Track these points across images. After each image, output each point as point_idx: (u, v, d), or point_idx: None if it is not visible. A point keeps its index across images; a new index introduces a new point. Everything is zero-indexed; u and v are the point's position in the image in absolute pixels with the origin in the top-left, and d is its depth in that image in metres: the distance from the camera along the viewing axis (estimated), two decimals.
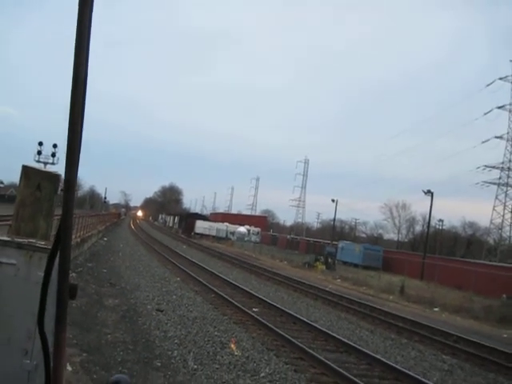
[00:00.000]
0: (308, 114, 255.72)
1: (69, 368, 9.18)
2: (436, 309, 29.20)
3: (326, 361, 12.33)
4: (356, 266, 57.77)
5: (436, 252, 70.77)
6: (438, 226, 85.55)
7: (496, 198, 74.15)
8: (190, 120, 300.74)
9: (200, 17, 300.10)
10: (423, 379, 12.08)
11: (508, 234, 74.35)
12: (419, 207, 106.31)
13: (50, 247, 1.83)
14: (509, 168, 71.34)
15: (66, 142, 1.61)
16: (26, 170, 3.91)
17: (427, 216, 58.18)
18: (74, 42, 1.59)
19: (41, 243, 3.43)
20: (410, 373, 12.49)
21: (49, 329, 1.84)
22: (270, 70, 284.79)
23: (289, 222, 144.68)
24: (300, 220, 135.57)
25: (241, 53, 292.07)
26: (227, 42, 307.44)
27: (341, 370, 11.62)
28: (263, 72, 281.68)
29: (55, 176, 4.05)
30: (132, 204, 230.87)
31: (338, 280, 40.56)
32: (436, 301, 31.02)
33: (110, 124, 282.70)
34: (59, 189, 3.95)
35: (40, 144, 44.90)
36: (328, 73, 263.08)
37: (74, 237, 25.84)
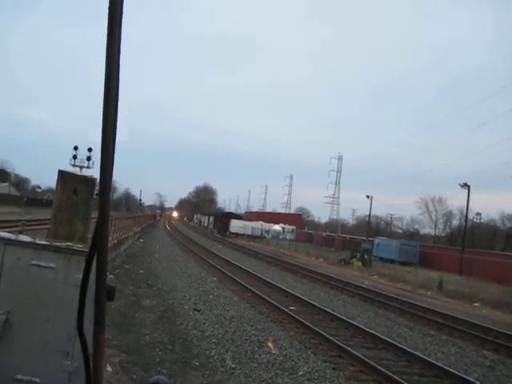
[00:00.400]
0: (339, 110, 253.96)
1: (109, 369, 9.31)
2: (476, 304, 28.70)
3: (365, 358, 12.23)
4: (392, 261, 57.09)
5: (474, 246, 69.60)
6: (475, 220, 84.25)
7: None
8: (221, 121, 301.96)
9: (223, 19, 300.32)
10: (464, 376, 11.90)
11: None
12: (456, 201, 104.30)
13: (87, 250, 1.85)
14: None
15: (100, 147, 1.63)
16: (63, 175, 3.97)
17: (464, 210, 57.29)
18: (105, 50, 1.61)
19: (78, 246, 3.48)
20: (451, 369, 12.31)
21: (88, 331, 1.86)
22: (295, 67, 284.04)
23: (324, 219, 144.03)
24: (335, 217, 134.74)
25: (265, 52, 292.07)
26: (251, 43, 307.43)
27: (380, 368, 11.52)
28: (289, 70, 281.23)
29: (91, 180, 4.11)
30: (167, 205, 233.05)
31: (375, 276, 40.22)
32: (475, 296, 30.49)
33: (144, 127, 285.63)
34: (95, 192, 4.00)
35: (75, 148, 45.48)
36: (356, 66, 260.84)
37: (110, 239, 26.20)
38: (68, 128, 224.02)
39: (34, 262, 3.35)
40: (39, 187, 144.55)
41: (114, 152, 1.65)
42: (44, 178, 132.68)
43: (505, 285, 35.45)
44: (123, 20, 1.68)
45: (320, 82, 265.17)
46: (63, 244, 3.50)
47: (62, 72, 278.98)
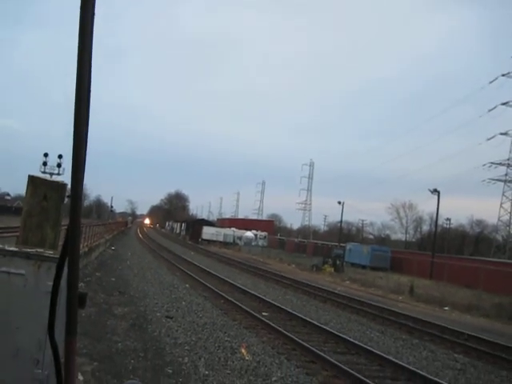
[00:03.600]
0: (311, 116, 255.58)
1: (80, 377, 9.17)
2: (446, 308, 29.08)
3: (338, 363, 12.29)
4: (364, 267, 57.62)
5: (444, 251, 70.52)
6: (445, 225, 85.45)
7: (503, 194, 74.11)
8: (192, 126, 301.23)
9: (202, 24, 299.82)
10: (436, 379, 12.02)
11: None
12: (426, 206, 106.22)
13: (58, 256, 1.82)
14: None
15: (71, 152, 1.61)
16: (33, 180, 3.91)
17: (434, 215, 58.17)
18: (77, 52, 1.59)
19: (49, 252, 3.43)
20: (423, 373, 12.42)
21: (59, 338, 1.83)
22: (270, 73, 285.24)
23: (296, 226, 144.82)
24: (307, 223, 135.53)
25: (241, 57, 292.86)
26: (227, 47, 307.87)
27: (353, 372, 11.58)
28: (263, 76, 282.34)
29: (61, 185, 4.05)
30: (138, 212, 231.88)
31: (347, 282, 40.48)
32: (446, 300, 30.90)
33: (113, 132, 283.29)
34: (65, 198, 3.95)
35: (45, 155, 44.99)
36: (328, 74, 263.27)
37: (81, 246, 25.88)
38: (38, 135, 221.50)
39: (3, 269, 3.29)
40: (8, 195, 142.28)
41: (85, 158, 1.63)
42: (13, 186, 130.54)
43: (474, 289, 35.95)
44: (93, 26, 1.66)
45: (293, 88, 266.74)
46: (33, 250, 3.43)
47: (28, 77, 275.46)
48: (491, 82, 67.30)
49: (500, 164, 70.48)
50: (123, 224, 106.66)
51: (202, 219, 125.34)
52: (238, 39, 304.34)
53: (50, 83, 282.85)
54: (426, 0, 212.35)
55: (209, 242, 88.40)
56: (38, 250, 3.49)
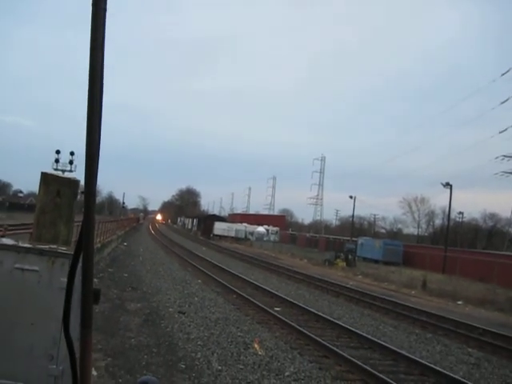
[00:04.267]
0: (322, 112, 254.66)
1: (94, 373, 9.22)
2: (459, 302, 28.92)
3: (351, 358, 12.25)
4: (376, 261, 57.47)
5: (457, 245, 70.12)
6: (458, 219, 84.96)
7: None
8: (204, 123, 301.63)
9: (203, 23, 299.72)
10: (450, 373, 11.97)
11: None
12: (438, 200, 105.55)
13: (71, 253, 1.82)
14: None
15: (83, 149, 1.61)
16: (46, 177, 3.92)
17: (447, 209, 57.77)
18: (89, 53, 1.59)
19: (62, 249, 3.43)
20: (436, 367, 12.37)
21: (73, 334, 1.83)
22: (281, 69, 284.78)
23: (307, 221, 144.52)
24: (318, 218, 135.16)
25: (247, 54, 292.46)
26: (233, 44, 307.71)
27: (366, 367, 11.54)
28: (274, 72, 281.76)
29: (74, 182, 4.06)
30: (150, 208, 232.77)
31: (359, 276, 40.37)
32: (459, 294, 30.74)
33: (125, 130, 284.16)
34: (78, 195, 3.96)
35: (57, 152, 45.12)
36: (339, 70, 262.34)
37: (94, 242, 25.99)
38: (49, 132, 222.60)
39: (17, 266, 3.30)
40: (21, 192, 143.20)
41: (98, 155, 1.63)
42: (26, 183, 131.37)
43: (487, 283, 35.74)
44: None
45: (304, 84, 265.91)
46: (47, 247, 3.44)
47: (40, 76, 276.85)
48: (503, 75, 66.63)
49: None
50: (135, 220, 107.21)
51: (214, 215, 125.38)
52: (245, 37, 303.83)
53: (60, 80, 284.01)
54: None
55: (220, 237, 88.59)
56: (52, 246, 3.50)
